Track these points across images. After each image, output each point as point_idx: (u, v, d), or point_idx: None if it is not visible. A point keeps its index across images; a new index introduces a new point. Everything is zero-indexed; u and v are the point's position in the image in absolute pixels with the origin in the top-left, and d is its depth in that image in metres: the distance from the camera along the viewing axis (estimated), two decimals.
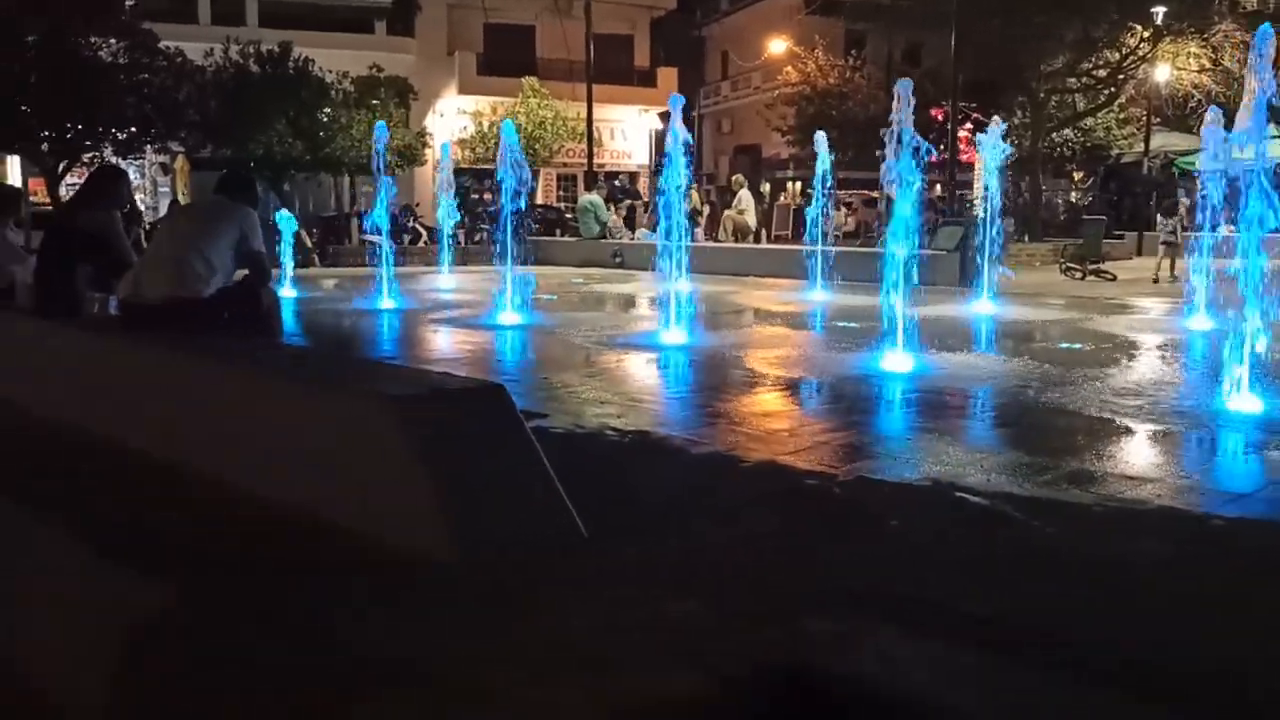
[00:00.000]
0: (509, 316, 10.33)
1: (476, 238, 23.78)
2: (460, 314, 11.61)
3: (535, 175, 29.95)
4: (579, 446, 4.93)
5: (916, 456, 4.76)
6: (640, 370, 7.96)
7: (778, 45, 34.09)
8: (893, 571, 3.26)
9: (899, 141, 7.80)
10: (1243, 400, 5.81)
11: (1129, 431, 5.45)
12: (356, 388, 3.82)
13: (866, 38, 32.98)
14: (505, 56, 31.55)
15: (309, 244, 20.48)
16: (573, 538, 3.30)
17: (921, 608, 2.93)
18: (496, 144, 28.70)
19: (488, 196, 29.23)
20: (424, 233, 23.39)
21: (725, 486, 4.34)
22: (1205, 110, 27.21)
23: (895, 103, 8.05)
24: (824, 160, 14.68)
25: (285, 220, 15.52)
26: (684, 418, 5.96)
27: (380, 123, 15.76)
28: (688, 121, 9.11)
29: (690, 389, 7.09)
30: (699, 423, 5.77)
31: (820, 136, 14.74)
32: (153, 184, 28.59)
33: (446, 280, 16.28)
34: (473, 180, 29.13)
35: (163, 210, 23.04)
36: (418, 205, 26.14)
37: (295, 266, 15.50)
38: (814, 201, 14.79)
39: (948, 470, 4.47)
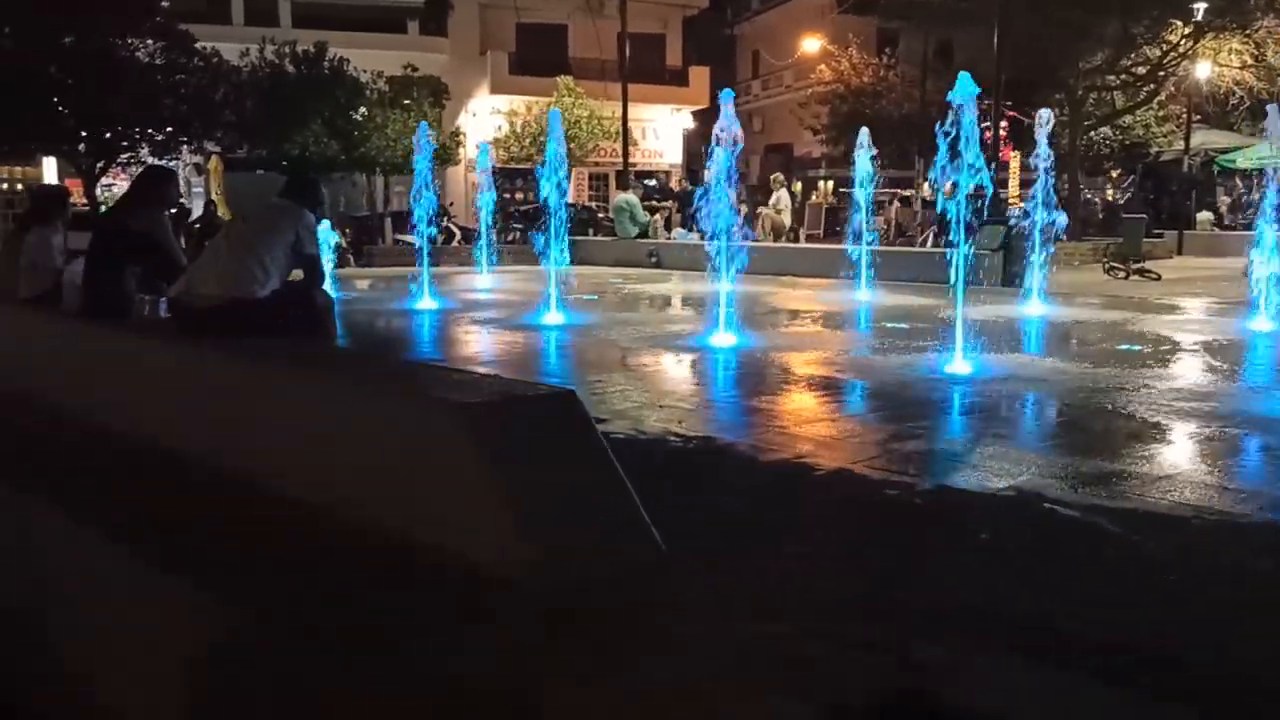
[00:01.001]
0: (552, 317, 10.20)
1: (509, 237, 23.69)
2: (502, 314, 11.51)
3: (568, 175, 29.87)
4: (642, 454, 4.78)
5: (995, 465, 4.58)
6: (693, 373, 7.82)
7: (810, 44, 33.86)
8: (993, 590, 3.10)
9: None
10: None
11: (1210, 439, 5.24)
12: (426, 395, 3.69)
13: (899, 36, 32.72)
14: (537, 56, 31.50)
15: (343, 243, 20.45)
16: (651, 553, 3.15)
17: (1032, 631, 2.77)
18: (531, 143, 28.80)
19: (519, 196, 29.17)
20: (457, 233, 23.33)
21: (804, 497, 4.19)
22: (1246, 107, 26.78)
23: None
24: (865, 159, 14.49)
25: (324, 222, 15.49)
26: (746, 423, 5.80)
27: (423, 124, 15.68)
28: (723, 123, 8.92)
29: (747, 393, 6.93)
30: (763, 428, 5.62)
31: (864, 134, 14.51)
32: (187, 184, 28.71)
33: (483, 280, 16.20)
34: (504, 180, 29.08)
35: (198, 211, 23.08)
36: (451, 205, 26.10)
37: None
38: (860, 200, 14.56)
39: (1031, 479, 4.30)
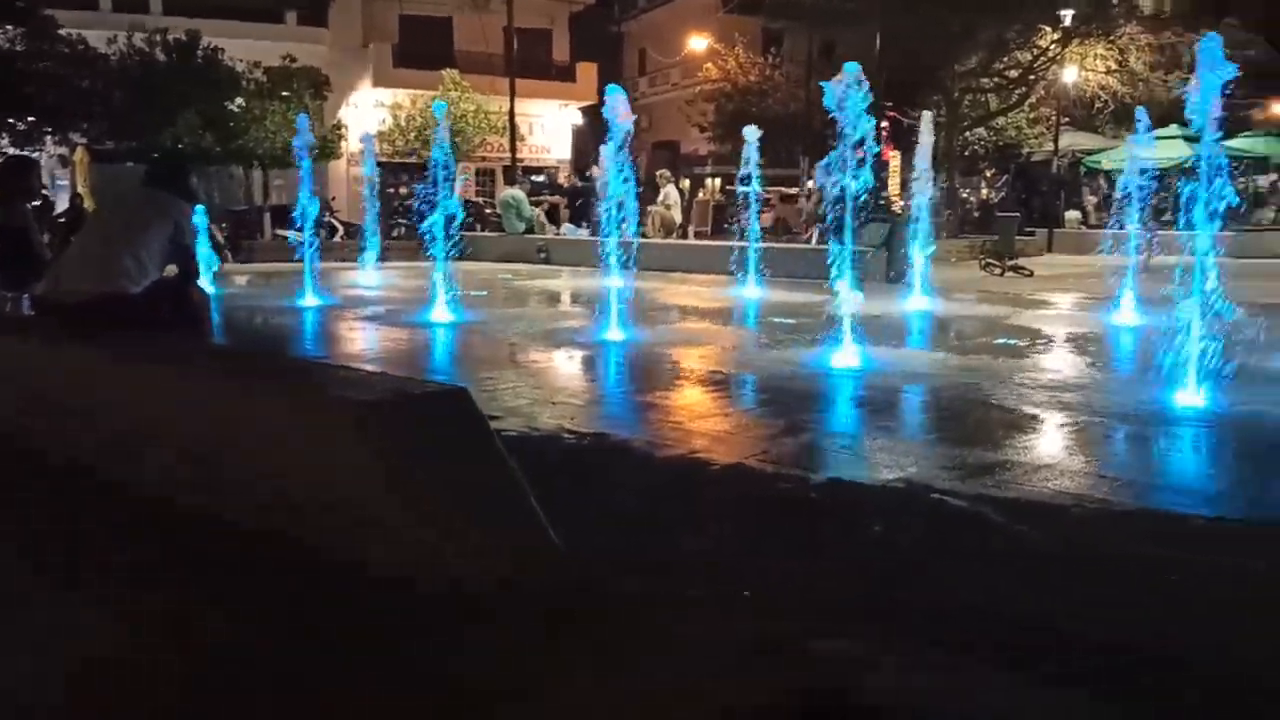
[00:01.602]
0: (441, 314, 10.03)
1: (394, 233, 23.26)
2: (389, 311, 11.29)
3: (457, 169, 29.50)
4: (535, 451, 4.72)
5: (884, 457, 4.67)
6: (584, 369, 7.78)
7: (697, 42, 34.17)
8: (892, 580, 3.14)
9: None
10: (1188, 396, 5.85)
11: (1085, 427, 5.43)
12: (316, 393, 3.57)
13: (784, 35, 33.27)
14: (422, 49, 31.02)
15: (220, 239, 19.78)
16: (548, 553, 3.10)
17: (937, 622, 2.81)
18: (416, 137, 28.28)
19: (404, 191, 28.64)
20: (340, 228, 22.82)
21: (700, 492, 4.19)
22: (1110, 111, 27.89)
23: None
24: (752, 155, 14.61)
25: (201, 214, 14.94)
26: (639, 419, 5.78)
27: (303, 115, 15.26)
28: (612, 115, 8.91)
29: (639, 388, 6.92)
30: (655, 424, 5.60)
31: (750, 132, 14.61)
32: (51, 177, 27.42)
33: (368, 277, 15.87)
34: (387, 174, 28.56)
35: (62, 205, 22.05)
36: (333, 199, 25.53)
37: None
38: (749, 196, 14.70)
39: (919, 471, 4.38)
